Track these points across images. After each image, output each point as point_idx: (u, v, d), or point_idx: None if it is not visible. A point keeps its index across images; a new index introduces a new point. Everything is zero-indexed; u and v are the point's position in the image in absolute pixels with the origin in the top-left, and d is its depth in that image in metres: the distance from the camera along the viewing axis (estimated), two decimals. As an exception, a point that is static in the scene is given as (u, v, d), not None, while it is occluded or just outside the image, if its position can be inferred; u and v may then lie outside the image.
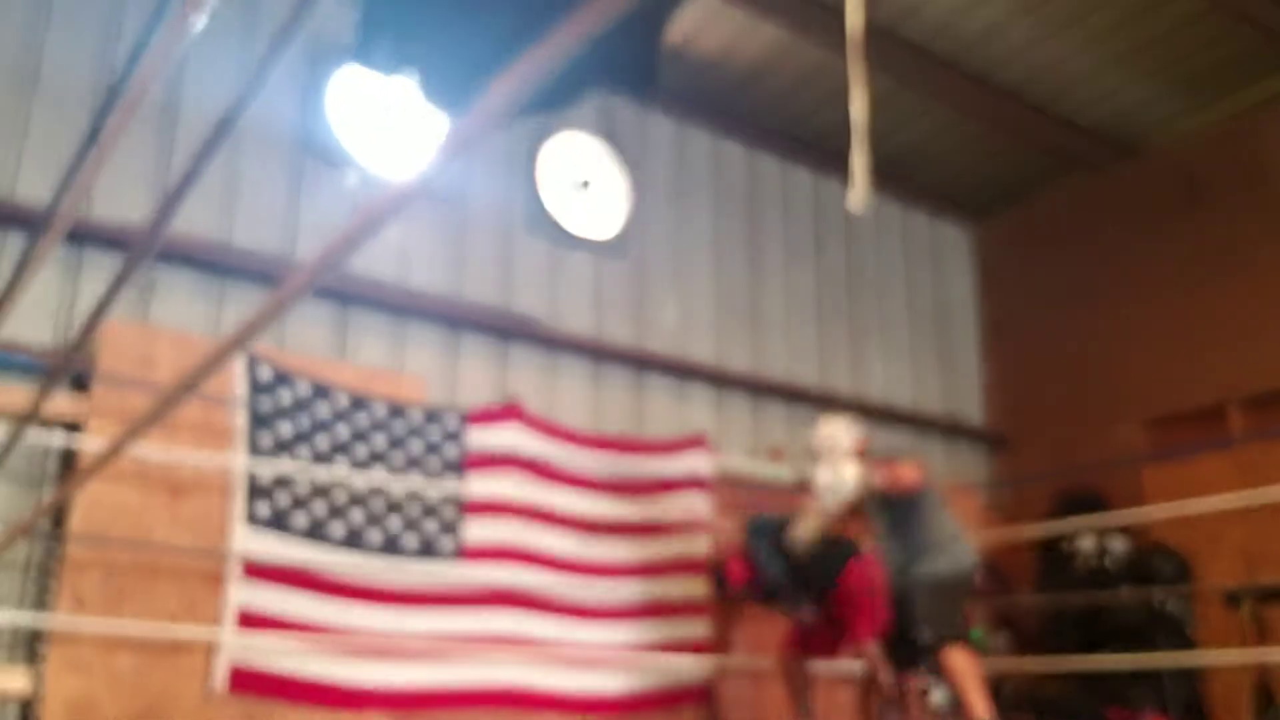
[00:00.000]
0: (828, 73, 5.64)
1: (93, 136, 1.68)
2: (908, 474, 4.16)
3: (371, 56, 1.47)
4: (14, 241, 4.00)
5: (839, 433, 4.28)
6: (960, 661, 3.91)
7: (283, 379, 4.25)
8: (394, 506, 4.34)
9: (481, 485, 4.56)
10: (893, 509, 4.20)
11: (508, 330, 5.06)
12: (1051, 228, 6.67)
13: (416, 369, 4.77)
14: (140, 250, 1.01)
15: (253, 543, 3.98)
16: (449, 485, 4.50)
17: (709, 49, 5.54)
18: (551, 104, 1.51)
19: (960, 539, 4.18)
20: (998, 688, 5.67)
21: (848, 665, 5.39)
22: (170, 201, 0.88)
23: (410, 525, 4.37)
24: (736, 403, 5.79)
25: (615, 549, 4.85)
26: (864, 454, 4.27)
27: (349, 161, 4.78)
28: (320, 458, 4.23)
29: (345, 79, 4.74)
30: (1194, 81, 5.68)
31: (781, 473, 5.65)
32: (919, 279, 6.85)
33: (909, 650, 4.06)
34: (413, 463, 4.44)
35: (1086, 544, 5.45)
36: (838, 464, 4.18)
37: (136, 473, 3.87)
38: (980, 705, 3.80)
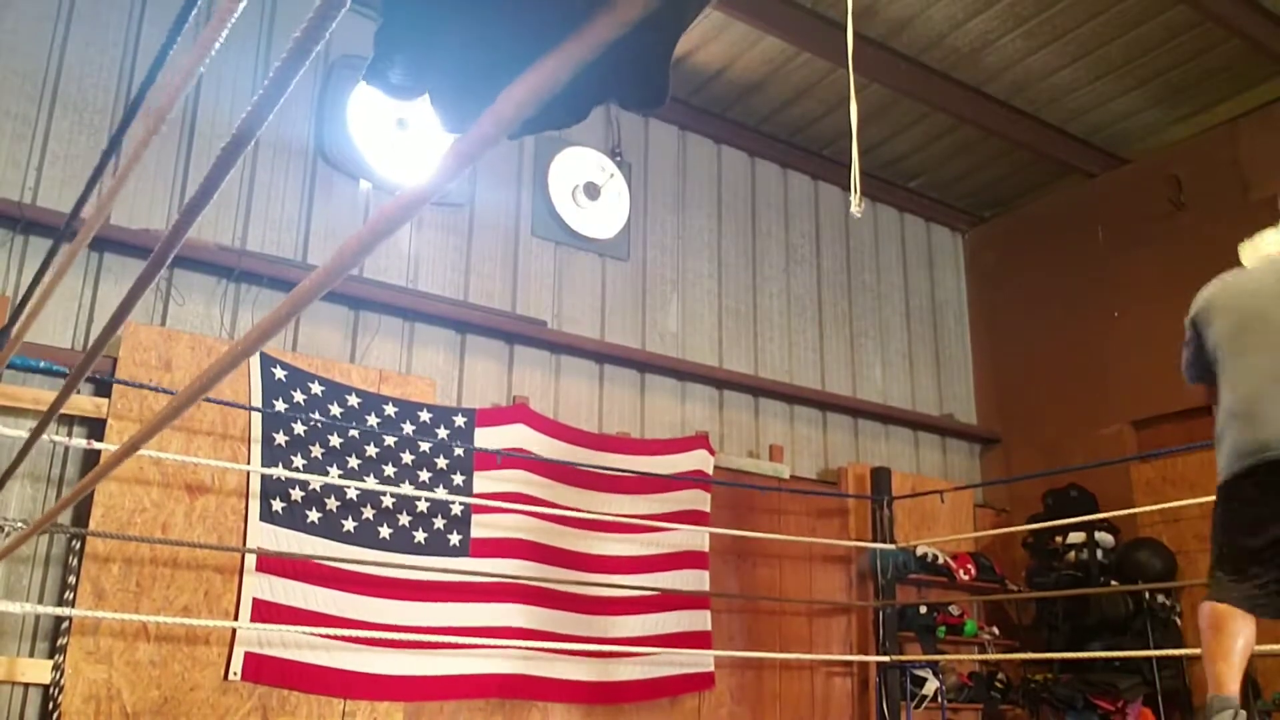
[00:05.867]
0: (826, 83, 5.78)
1: (114, 147, 1.76)
2: None
3: (384, 79, 1.55)
4: (34, 246, 4.11)
5: None
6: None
7: (295, 379, 4.36)
8: (404, 503, 4.44)
9: (489, 483, 4.67)
10: None
11: (514, 333, 5.13)
12: (1042, 233, 6.72)
13: (425, 370, 4.84)
14: (158, 260, 1.08)
15: (267, 538, 4.09)
16: (458, 483, 4.62)
17: (712, 59, 5.63)
18: (558, 121, 1.60)
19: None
20: (989, 678, 5.80)
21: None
22: (187, 216, 0.95)
23: (420, 521, 4.48)
24: (737, 403, 5.88)
25: (619, 544, 4.96)
26: None
27: (361, 169, 4.89)
28: (332, 456, 4.34)
29: (359, 88, 4.83)
30: (1181, 91, 5.77)
31: (781, 472, 5.77)
32: (915, 282, 6.92)
33: None
34: (422, 461, 4.55)
35: (1076, 540, 5.57)
36: None
37: (155, 470, 3.98)
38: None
